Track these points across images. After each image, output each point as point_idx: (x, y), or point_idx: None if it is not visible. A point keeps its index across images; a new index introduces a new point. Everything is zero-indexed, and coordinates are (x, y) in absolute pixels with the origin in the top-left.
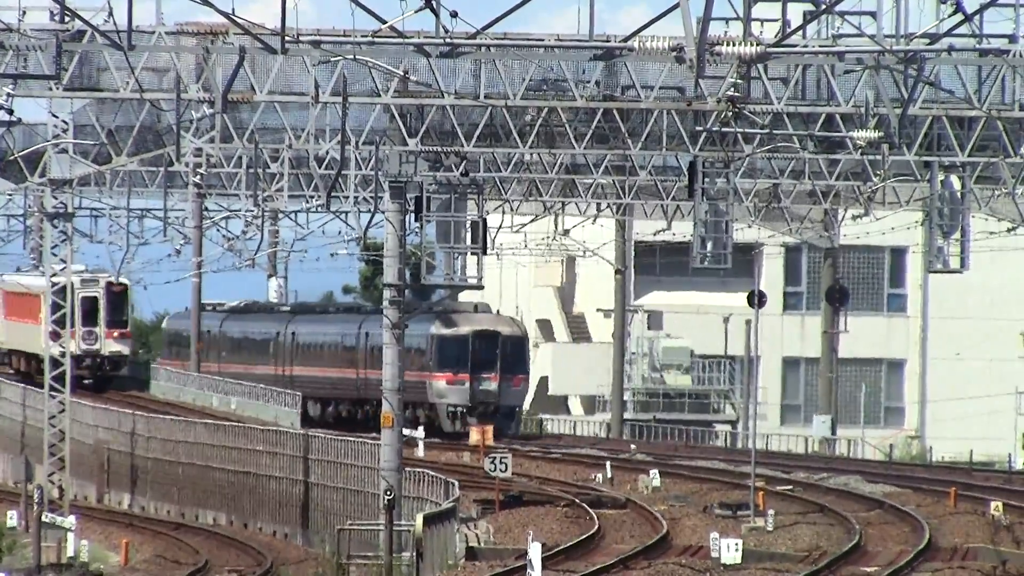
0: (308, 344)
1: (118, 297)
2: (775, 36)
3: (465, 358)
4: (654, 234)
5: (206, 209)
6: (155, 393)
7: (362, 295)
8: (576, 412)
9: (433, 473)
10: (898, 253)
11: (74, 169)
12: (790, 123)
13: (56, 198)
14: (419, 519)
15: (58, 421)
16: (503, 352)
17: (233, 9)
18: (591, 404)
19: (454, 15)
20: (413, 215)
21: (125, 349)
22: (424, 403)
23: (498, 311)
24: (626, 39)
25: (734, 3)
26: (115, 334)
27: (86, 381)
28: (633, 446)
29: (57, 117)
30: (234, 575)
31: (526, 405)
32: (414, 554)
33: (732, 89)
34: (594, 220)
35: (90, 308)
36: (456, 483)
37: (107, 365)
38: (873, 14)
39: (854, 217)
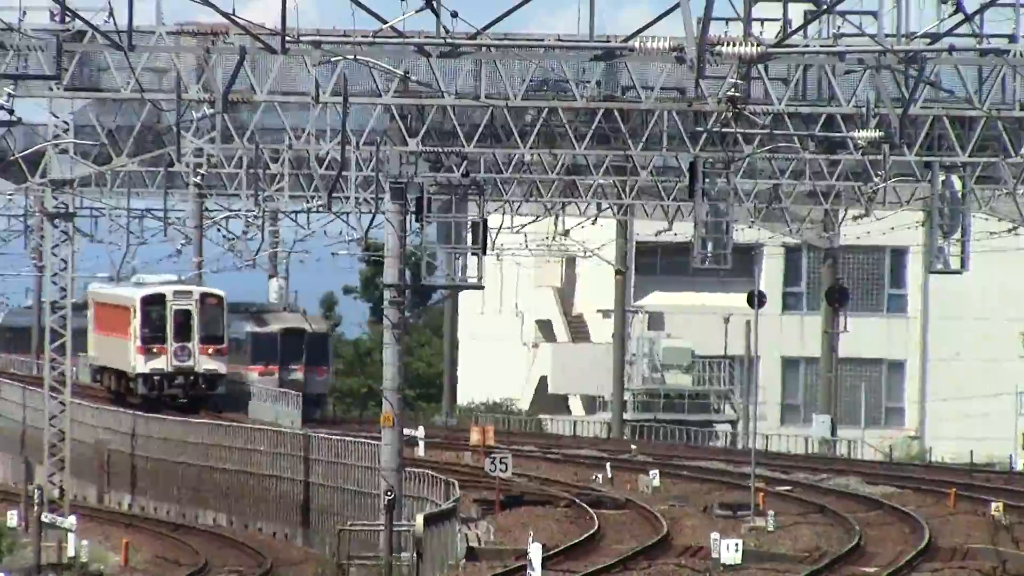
0: None
1: (213, 310)
2: (775, 36)
3: (274, 352)
4: (655, 235)
5: (206, 209)
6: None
7: (362, 296)
8: (576, 412)
9: (433, 473)
10: (898, 253)
11: (74, 169)
12: (791, 123)
13: (56, 198)
14: (419, 519)
15: (58, 421)
16: (308, 347)
17: (233, 9)
18: (591, 404)
19: (454, 15)
20: (414, 216)
21: (222, 367)
22: None
23: (303, 311)
24: (626, 39)
25: (734, 3)
26: (210, 350)
27: (180, 401)
28: (633, 446)
29: (57, 117)
30: (234, 575)
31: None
32: (414, 554)
33: (732, 89)
34: (594, 220)
35: (183, 322)
36: (456, 483)
37: (201, 383)
38: (874, 14)
39: (854, 217)
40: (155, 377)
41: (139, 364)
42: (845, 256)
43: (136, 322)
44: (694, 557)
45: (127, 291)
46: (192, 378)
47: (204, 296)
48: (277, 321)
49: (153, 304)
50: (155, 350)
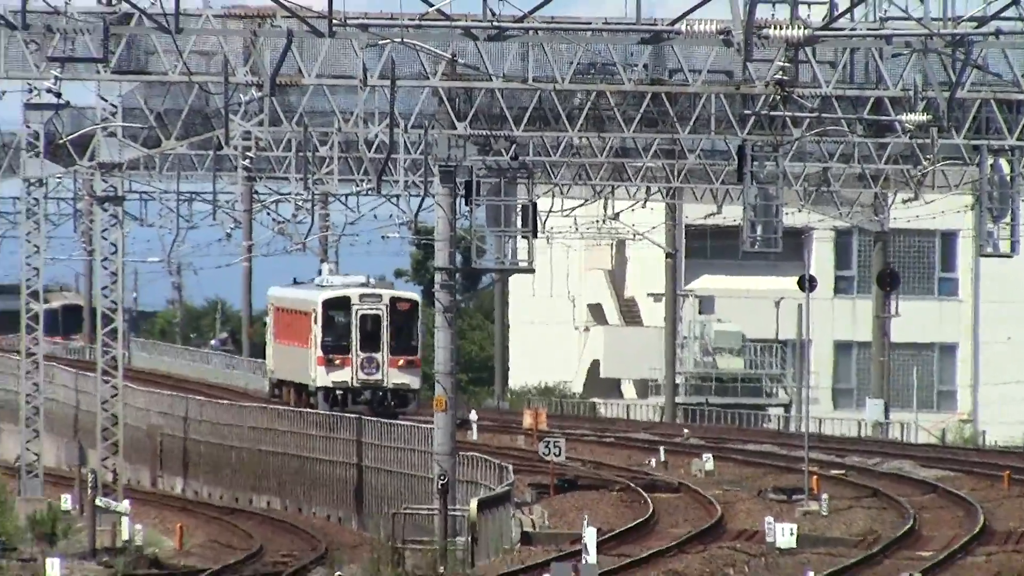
0: None
1: (405, 316)
2: (822, 19)
3: (56, 325)
4: (704, 218)
5: (256, 193)
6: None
7: (414, 279)
8: (629, 396)
9: (487, 457)
10: (948, 237)
11: (123, 152)
12: (839, 106)
13: (106, 181)
14: (473, 503)
15: (111, 406)
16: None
17: None
18: (644, 388)
19: None
20: (463, 199)
21: (414, 381)
22: None
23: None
24: (673, 22)
25: None
26: (401, 362)
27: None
28: (686, 430)
29: (106, 100)
30: (288, 559)
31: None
32: (469, 539)
33: (780, 72)
34: (644, 204)
35: (371, 329)
36: (510, 467)
37: (390, 400)
38: None
39: (904, 201)
40: (337, 392)
41: (319, 376)
42: (895, 240)
43: (317, 329)
44: (749, 541)
45: (308, 294)
46: (380, 394)
47: (395, 300)
48: (58, 299)
49: (336, 308)
50: (337, 361)
